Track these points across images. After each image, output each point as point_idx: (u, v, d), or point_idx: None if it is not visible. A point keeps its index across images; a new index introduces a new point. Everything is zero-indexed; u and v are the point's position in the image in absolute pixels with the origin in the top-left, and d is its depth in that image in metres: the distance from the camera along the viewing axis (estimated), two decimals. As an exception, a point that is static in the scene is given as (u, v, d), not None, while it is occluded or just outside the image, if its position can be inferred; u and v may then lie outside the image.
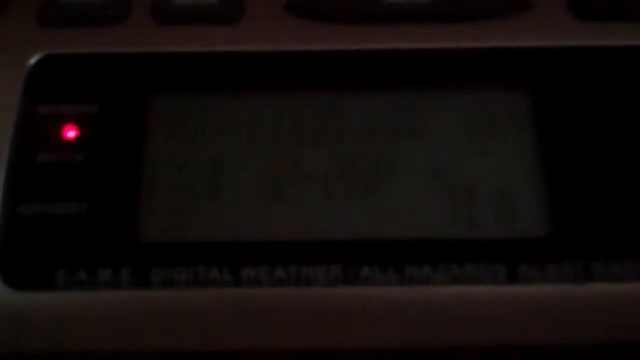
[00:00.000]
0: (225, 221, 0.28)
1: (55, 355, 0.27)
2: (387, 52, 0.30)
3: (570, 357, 0.27)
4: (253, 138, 0.29)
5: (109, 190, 0.28)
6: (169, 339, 0.27)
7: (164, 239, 0.27)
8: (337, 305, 0.27)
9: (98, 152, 0.28)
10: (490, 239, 0.27)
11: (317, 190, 0.28)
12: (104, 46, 0.30)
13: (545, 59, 0.30)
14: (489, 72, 0.30)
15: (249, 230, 0.27)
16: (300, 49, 0.30)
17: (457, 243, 0.27)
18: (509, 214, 0.28)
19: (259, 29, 0.31)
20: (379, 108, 0.29)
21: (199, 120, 0.29)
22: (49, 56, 0.30)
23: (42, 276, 0.27)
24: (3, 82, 0.29)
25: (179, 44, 0.30)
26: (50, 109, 0.29)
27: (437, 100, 0.29)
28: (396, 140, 0.29)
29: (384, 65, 0.30)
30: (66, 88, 0.29)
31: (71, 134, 0.29)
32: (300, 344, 0.27)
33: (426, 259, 0.27)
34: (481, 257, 0.27)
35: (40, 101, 0.29)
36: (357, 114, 0.29)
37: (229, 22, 0.31)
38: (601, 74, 0.30)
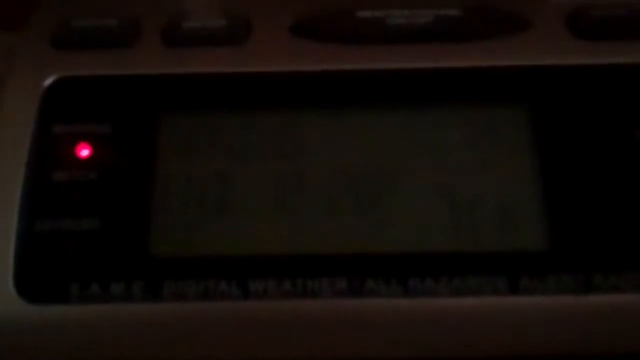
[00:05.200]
0: (234, 236, 0.28)
1: (69, 366, 0.28)
2: (391, 72, 0.31)
3: (570, 366, 0.28)
4: (260, 155, 0.29)
5: (121, 206, 0.29)
6: (180, 351, 0.27)
7: (175, 253, 0.28)
8: (342, 317, 0.27)
9: (110, 169, 0.29)
10: (491, 251, 0.28)
11: (323, 205, 0.29)
12: (115, 68, 0.31)
13: (543, 77, 0.30)
14: (490, 90, 0.30)
15: (256, 244, 0.28)
16: (305, 69, 0.31)
17: (459, 255, 0.28)
18: (509, 227, 0.28)
19: (265, 50, 0.31)
20: (383, 125, 0.30)
21: (207, 138, 0.30)
22: (63, 78, 0.31)
23: (56, 290, 0.28)
24: (19, 103, 0.30)
25: (188, 66, 0.31)
26: (64, 128, 0.30)
27: (439, 117, 0.30)
28: (399, 156, 0.29)
29: (388, 83, 0.30)
30: (79, 108, 0.30)
31: (84, 152, 0.29)
32: (306, 355, 0.27)
33: (429, 271, 0.28)
34: (483, 269, 0.28)
35: (55, 121, 0.30)
36: (361, 130, 0.30)
37: (236, 44, 0.31)
38: (599, 91, 0.30)
